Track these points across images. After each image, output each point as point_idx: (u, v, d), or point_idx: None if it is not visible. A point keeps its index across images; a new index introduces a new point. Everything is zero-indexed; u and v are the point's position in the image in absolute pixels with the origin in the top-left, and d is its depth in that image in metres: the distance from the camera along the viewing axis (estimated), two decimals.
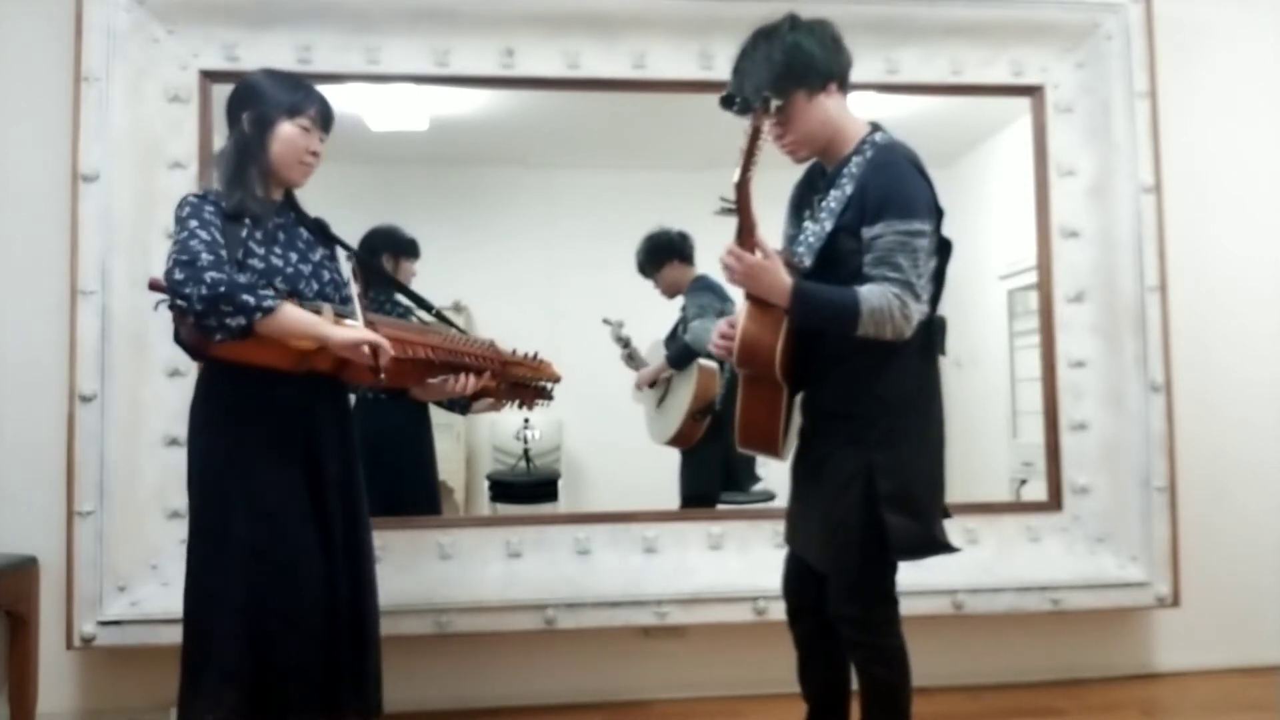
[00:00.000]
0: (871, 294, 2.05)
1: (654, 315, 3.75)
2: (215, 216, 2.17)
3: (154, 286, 2.16)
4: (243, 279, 2.12)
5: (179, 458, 2.88)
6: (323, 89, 2.38)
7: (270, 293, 2.11)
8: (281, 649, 2.16)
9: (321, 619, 2.21)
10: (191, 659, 2.18)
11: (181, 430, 2.87)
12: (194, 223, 2.15)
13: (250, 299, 2.06)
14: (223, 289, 2.05)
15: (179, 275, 2.06)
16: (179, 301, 2.07)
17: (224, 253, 2.13)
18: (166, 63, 3.00)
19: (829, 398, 2.20)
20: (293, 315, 2.12)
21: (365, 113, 3.35)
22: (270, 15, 3.01)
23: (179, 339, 2.21)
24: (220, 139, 2.98)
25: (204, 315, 2.05)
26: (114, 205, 2.92)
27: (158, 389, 2.93)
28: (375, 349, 2.13)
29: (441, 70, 3.11)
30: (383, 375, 2.14)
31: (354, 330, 2.16)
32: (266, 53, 2.99)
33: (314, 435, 2.24)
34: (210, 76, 3.00)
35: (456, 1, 3.06)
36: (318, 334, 2.13)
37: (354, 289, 2.27)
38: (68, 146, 2.94)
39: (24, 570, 2.89)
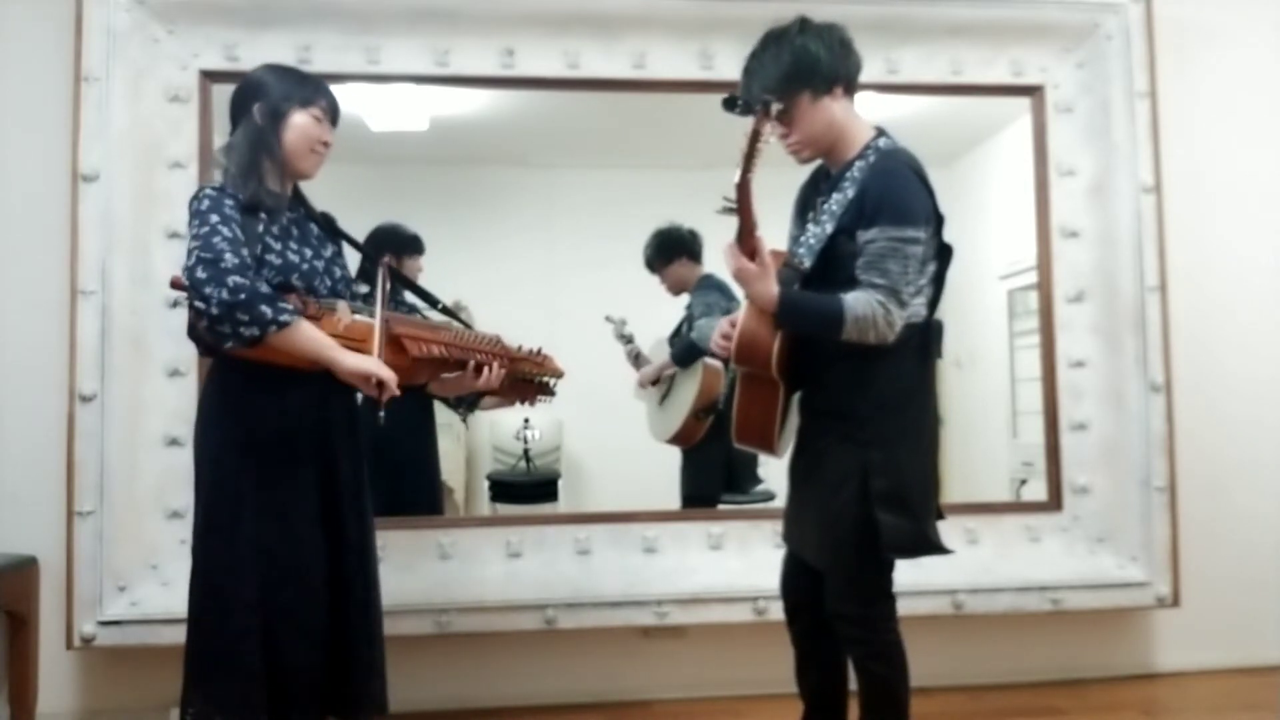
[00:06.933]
0: (856, 302, 2.08)
1: (654, 315, 3.75)
2: (235, 211, 2.15)
3: (175, 285, 2.15)
4: (264, 287, 2.09)
5: (179, 458, 2.91)
6: None
7: (290, 306, 2.09)
8: (289, 648, 2.16)
9: (329, 620, 2.21)
10: (199, 657, 2.17)
11: (182, 430, 2.91)
12: (215, 218, 2.12)
13: (268, 310, 2.04)
14: (243, 295, 2.03)
15: (201, 274, 2.05)
16: (198, 302, 2.05)
17: (246, 252, 2.11)
18: (166, 63, 3.00)
19: (825, 397, 2.22)
20: (305, 334, 2.10)
21: (365, 113, 3.35)
22: (270, 15, 3.01)
23: (193, 334, 2.19)
24: (221, 139, 2.99)
25: (219, 320, 2.03)
26: (114, 205, 2.92)
27: (158, 389, 2.93)
28: (382, 383, 2.11)
29: (441, 70, 3.11)
30: (381, 412, 2.13)
31: (363, 360, 2.13)
32: (266, 53, 2.98)
33: (327, 435, 2.24)
34: (210, 76, 3.01)
35: (456, 1, 3.06)
36: (327, 357, 2.11)
37: (380, 291, 2.25)
38: (68, 146, 2.93)
39: (24, 570, 2.89)
